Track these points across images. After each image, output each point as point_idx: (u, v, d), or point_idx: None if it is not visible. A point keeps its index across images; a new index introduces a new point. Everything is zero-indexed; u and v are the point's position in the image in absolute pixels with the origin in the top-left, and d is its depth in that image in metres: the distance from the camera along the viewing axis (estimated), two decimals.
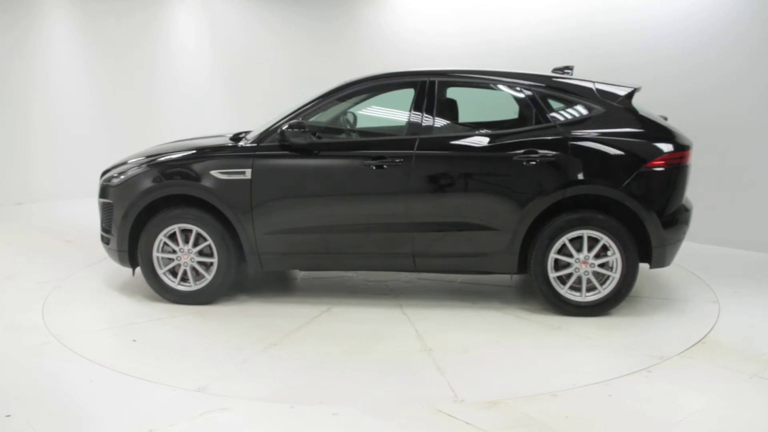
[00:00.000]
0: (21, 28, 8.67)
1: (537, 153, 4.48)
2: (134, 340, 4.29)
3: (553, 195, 4.48)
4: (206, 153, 4.86)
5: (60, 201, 8.91)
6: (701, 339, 4.24)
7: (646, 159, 4.45)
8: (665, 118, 4.83)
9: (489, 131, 4.81)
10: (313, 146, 4.67)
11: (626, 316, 4.62)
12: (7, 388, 3.57)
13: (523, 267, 4.65)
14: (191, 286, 4.85)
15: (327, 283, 5.49)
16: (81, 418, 3.30)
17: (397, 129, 4.83)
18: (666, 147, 4.48)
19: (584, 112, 4.62)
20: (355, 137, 5.16)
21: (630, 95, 4.64)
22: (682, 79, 6.72)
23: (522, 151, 4.50)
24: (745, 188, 6.45)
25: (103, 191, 5.08)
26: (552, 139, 4.51)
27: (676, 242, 4.62)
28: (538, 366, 3.88)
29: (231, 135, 5.21)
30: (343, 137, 5.12)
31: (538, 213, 4.51)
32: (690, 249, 6.01)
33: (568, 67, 5.00)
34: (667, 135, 4.54)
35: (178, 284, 4.86)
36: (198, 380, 3.65)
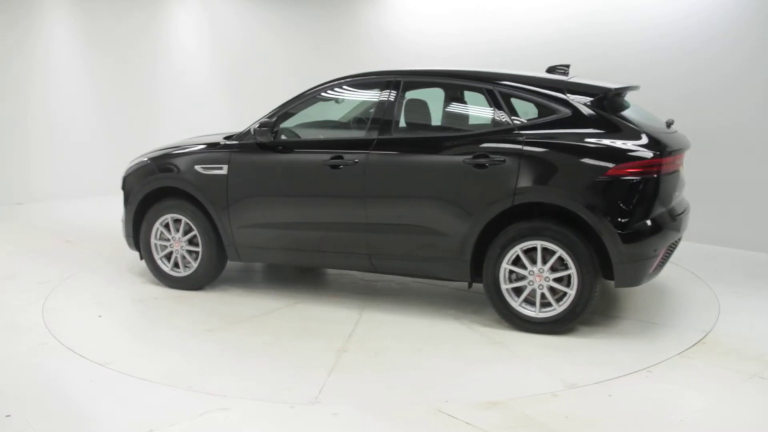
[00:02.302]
0: (21, 28, 8.66)
1: (488, 157, 4.28)
2: (99, 316, 4.69)
3: (502, 202, 4.23)
4: (193, 149, 5.21)
5: (60, 201, 8.91)
6: (701, 339, 4.23)
7: (607, 166, 4.06)
8: (670, 123, 4.59)
9: (444, 133, 4.72)
10: (274, 145, 4.86)
11: (590, 335, 4.26)
12: (7, 388, 3.57)
13: (478, 276, 4.45)
14: (181, 272, 5.19)
15: (323, 279, 5.50)
16: (81, 418, 3.30)
17: (366, 129, 4.81)
18: (633, 154, 4.06)
19: (548, 113, 4.31)
20: (324, 136, 5.19)
21: (604, 96, 4.30)
22: (682, 79, 6.72)
23: (473, 154, 4.31)
24: (746, 188, 6.45)
25: (122, 182, 5.47)
26: (505, 143, 4.27)
27: (645, 259, 4.13)
28: (429, 378, 3.72)
29: (226, 134, 5.34)
30: (311, 136, 5.15)
31: (487, 220, 4.28)
32: (690, 249, 6.03)
33: (564, 66, 4.83)
34: (642, 141, 4.10)
35: (171, 270, 5.21)
36: (108, 355, 3.98)
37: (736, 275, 5.65)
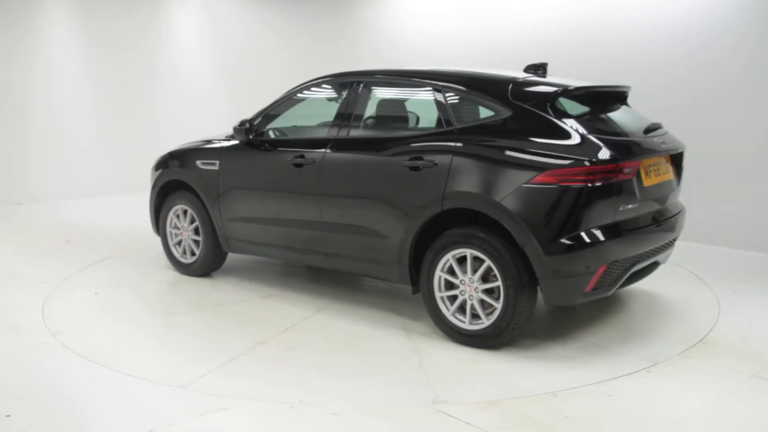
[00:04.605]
0: (21, 28, 8.67)
1: (423, 159, 4.13)
2: (96, 293, 5.13)
3: (433, 206, 4.08)
4: (199, 146, 5.51)
5: (60, 201, 8.91)
6: (701, 339, 4.23)
7: (534, 173, 3.74)
8: (655, 127, 4.38)
9: (392, 133, 4.56)
10: (252, 143, 5.11)
11: (519, 349, 4.03)
12: (7, 388, 3.57)
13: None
14: (188, 259, 5.57)
15: (319, 276, 5.52)
16: (81, 418, 3.30)
17: (327, 130, 4.83)
18: (565, 160, 3.71)
19: (488, 114, 4.09)
20: (295, 135, 5.28)
21: (552, 96, 4.02)
22: (681, 79, 6.72)
23: (410, 156, 4.20)
24: (745, 188, 6.45)
25: (151, 173, 5.88)
26: (439, 145, 4.13)
27: (574, 276, 3.77)
28: (301, 378, 3.69)
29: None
30: (289, 135, 5.24)
31: (420, 224, 4.15)
32: (690, 249, 6.03)
33: (542, 65, 4.61)
34: (582, 146, 3.75)
35: (180, 256, 5.61)
36: (56, 326, 4.40)
37: (736, 275, 5.65)
